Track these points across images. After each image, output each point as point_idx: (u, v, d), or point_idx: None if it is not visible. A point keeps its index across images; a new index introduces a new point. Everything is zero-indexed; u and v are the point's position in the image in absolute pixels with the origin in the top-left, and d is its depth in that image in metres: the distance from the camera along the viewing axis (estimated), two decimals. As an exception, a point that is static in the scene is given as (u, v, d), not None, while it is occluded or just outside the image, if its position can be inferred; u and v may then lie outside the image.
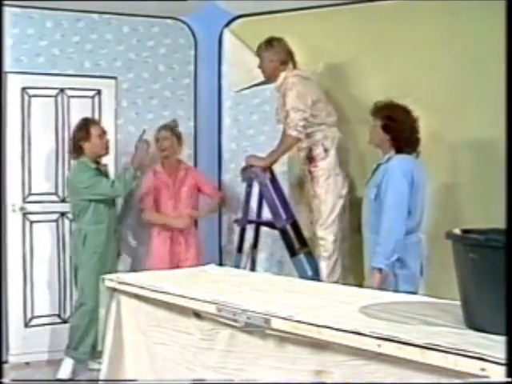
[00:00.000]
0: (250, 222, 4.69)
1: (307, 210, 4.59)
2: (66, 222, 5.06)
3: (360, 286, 3.63)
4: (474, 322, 2.05)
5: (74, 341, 4.68)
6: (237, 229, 4.77)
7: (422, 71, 4.37)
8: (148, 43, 5.32)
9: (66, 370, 4.67)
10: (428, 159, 3.91)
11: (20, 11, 4.87)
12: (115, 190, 4.64)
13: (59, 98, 5.05)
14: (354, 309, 2.38)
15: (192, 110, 5.46)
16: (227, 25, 5.32)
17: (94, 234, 4.68)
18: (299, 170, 4.75)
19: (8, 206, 4.91)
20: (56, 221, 5.06)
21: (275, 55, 4.46)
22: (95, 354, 4.37)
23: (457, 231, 2.15)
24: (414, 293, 3.41)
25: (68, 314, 5.04)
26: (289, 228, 4.53)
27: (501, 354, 1.75)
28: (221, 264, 4.89)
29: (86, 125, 4.72)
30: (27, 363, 4.91)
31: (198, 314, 2.68)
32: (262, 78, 4.77)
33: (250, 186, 4.58)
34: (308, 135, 4.36)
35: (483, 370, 1.75)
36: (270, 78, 4.61)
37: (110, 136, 4.96)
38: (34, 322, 5.00)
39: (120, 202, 5.05)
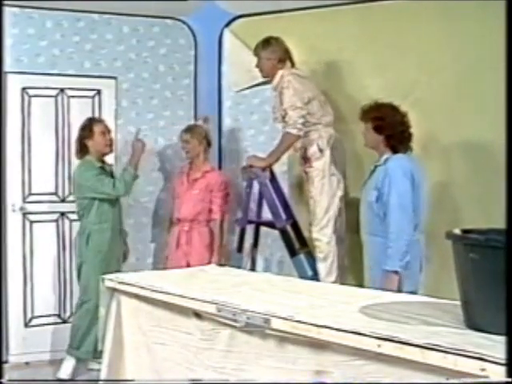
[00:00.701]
0: (250, 222, 4.68)
1: (307, 210, 4.59)
2: (66, 221, 5.07)
3: (360, 286, 3.63)
4: (473, 322, 2.05)
5: (75, 340, 4.67)
6: (237, 229, 4.77)
7: (420, 72, 4.37)
8: (148, 43, 5.32)
9: (67, 369, 4.67)
10: (426, 159, 3.91)
11: (20, 11, 4.87)
12: (116, 190, 4.65)
13: (59, 98, 5.05)
14: (353, 309, 2.38)
15: (192, 110, 5.46)
16: (227, 25, 5.32)
17: (98, 232, 4.68)
18: (299, 169, 4.75)
19: (8, 205, 4.91)
20: (56, 221, 5.06)
21: (272, 54, 4.44)
22: (96, 353, 4.37)
23: (457, 231, 2.15)
24: (415, 293, 3.41)
25: (68, 313, 5.05)
26: (289, 228, 4.53)
27: (501, 354, 1.76)
28: (221, 264, 4.88)
29: (89, 123, 4.74)
30: (27, 363, 4.91)
31: (198, 314, 2.68)
32: (261, 78, 4.77)
33: (249, 186, 4.57)
34: (303, 135, 4.35)
35: (483, 370, 1.76)
36: (267, 77, 4.59)
37: (110, 136, 4.97)
38: (34, 321, 5.01)
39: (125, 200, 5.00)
